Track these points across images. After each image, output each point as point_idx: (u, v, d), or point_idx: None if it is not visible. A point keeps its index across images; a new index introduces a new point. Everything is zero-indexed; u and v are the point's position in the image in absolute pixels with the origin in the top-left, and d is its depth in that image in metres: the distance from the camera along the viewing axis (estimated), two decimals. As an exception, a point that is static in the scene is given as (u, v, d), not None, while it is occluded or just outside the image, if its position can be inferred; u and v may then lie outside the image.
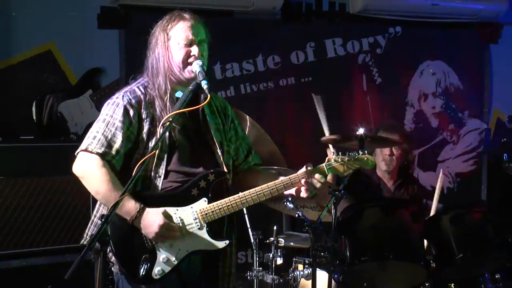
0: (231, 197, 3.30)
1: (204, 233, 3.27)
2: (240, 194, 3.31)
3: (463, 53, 6.53)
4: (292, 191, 3.37)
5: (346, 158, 3.38)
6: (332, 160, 3.37)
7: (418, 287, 4.41)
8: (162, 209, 3.20)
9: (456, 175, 6.52)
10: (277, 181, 3.34)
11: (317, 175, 3.33)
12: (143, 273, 3.20)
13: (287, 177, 3.35)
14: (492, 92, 6.62)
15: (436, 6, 6.09)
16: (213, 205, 3.27)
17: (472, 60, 6.57)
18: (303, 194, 3.35)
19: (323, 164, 3.38)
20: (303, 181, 3.32)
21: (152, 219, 3.17)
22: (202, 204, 3.27)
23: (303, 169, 3.34)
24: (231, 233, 3.41)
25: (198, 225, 3.26)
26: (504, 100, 6.62)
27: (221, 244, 3.30)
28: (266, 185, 3.32)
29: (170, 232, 3.20)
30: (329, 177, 3.44)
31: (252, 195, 3.30)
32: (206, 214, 3.26)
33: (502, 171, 4.80)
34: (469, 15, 6.32)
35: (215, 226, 3.30)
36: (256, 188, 3.31)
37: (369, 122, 5.94)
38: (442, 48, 6.46)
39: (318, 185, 3.34)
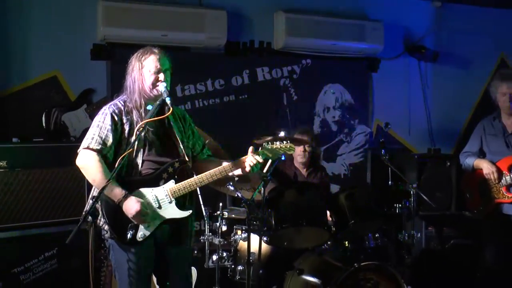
0: (191, 178, 3.37)
1: (173, 206, 3.33)
2: (198, 176, 3.38)
3: (354, 79, 6.61)
4: (238, 171, 3.42)
5: (274, 146, 3.46)
6: (265, 146, 3.44)
7: (323, 245, 4.56)
8: (140, 199, 3.22)
9: (349, 165, 6.65)
10: (224, 165, 3.42)
11: (256, 156, 3.40)
12: (130, 237, 3.24)
13: (232, 162, 3.43)
14: (374, 106, 6.75)
15: (335, 45, 6.22)
16: (179, 185, 3.33)
17: (360, 84, 6.66)
18: (247, 169, 3.39)
19: (260, 149, 3.45)
20: (246, 160, 3.38)
21: (131, 205, 3.19)
22: (171, 184, 3.33)
23: (249, 152, 3.41)
24: (192, 206, 3.48)
25: (168, 200, 3.31)
26: (382, 112, 6.75)
27: (185, 213, 3.36)
28: (216, 168, 3.40)
29: (143, 216, 3.22)
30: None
31: (206, 176, 3.36)
32: (174, 191, 3.32)
33: (380, 162, 4.94)
34: (357, 52, 6.46)
35: (181, 200, 3.37)
36: (210, 171, 3.38)
37: (289, 127, 5.99)
38: (339, 74, 6.54)
39: (255, 162, 3.38)
